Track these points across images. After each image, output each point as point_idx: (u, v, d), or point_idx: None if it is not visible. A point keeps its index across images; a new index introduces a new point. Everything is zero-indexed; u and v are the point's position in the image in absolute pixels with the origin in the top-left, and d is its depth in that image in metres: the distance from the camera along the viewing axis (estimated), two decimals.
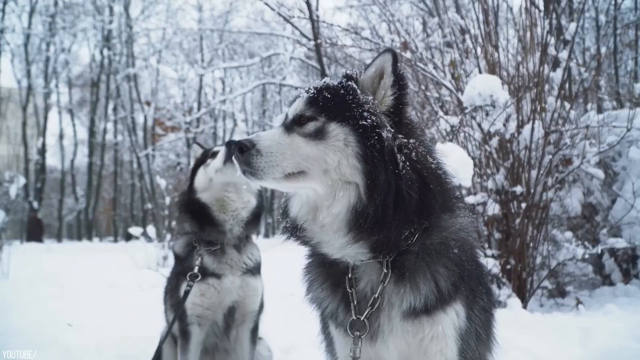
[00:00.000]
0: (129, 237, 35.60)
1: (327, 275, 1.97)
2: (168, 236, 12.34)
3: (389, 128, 1.80)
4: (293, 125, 1.87)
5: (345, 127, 1.79)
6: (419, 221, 1.77)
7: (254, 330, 3.46)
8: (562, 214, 6.84)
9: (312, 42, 21.86)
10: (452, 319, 1.82)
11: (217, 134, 40.43)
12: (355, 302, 1.84)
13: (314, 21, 22.64)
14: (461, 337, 1.84)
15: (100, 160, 43.74)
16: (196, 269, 3.22)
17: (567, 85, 6.47)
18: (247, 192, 3.43)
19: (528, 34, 6.48)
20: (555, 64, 6.66)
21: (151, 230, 10.64)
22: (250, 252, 3.46)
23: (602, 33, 10.77)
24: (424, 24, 14.77)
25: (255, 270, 3.45)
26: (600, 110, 7.93)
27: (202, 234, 3.36)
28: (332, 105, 1.84)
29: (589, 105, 6.87)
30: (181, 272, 3.39)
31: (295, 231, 1.91)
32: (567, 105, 6.34)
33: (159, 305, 4.32)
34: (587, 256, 6.20)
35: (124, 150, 45.32)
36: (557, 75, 6.13)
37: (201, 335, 3.33)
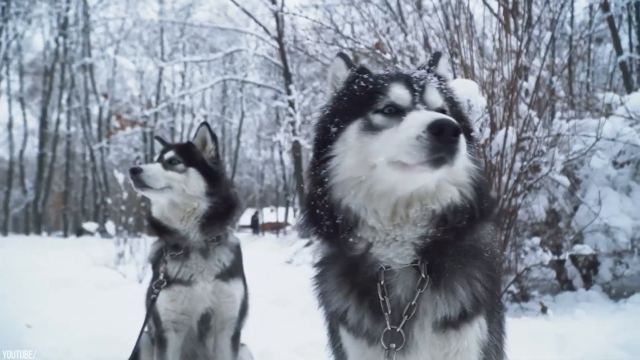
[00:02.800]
0: (80, 232, 34.43)
1: (352, 284, 1.81)
2: (125, 233, 11.94)
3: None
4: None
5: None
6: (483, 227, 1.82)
7: (235, 337, 3.28)
8: (528, 220, 6.95)
9: (276, 39, 21.71)
10: (476, 332, 1.75)
11: (175, 129, 39.56)
12: (390, 311, 1.70)
13: (278, 18, 22.47)
14: (484, 351, 1.78)
15: (52, 151, 42.07)
16: (161, 276, 3.11)
17: (538, 94, 6.56)
18: (189, 199, 3.20)
19: (498, 42, 6.57)
20: (526, 72, 6.75)
21: (110, 226, 10.23)
22: (219, 257, 3.25)
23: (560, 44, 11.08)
24: (388, 28, 14.90)
25: (228, 275, 3.25)
26: (553, 117, 8.15)
27: (165, 240, 3.27)
28: (450, 106, 1.86)
29: (557, 114, 7.00)
30: (154, 278, 3.27)
31: (344, 230, 1.72)
32: (533, 113, 6.44)
33: (123, 306, 4.11)
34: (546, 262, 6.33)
35: (77, 142, 43.80)
36: (530, 83, 6.21)
37: (179, 341, 3.16)
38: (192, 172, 3.24)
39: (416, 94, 1.77)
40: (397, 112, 1.72)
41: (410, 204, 1.69)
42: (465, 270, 1.74)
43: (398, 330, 1.68)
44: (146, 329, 3.17)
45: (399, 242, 1.70)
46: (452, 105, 1.86)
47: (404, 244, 1.69)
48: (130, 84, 43.59)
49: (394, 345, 1.68)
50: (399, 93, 1.76)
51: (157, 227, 3.28)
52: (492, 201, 1.79)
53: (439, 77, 1.90)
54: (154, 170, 3.20)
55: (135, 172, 3.16)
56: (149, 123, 33.33)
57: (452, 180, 1.71)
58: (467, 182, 1.73)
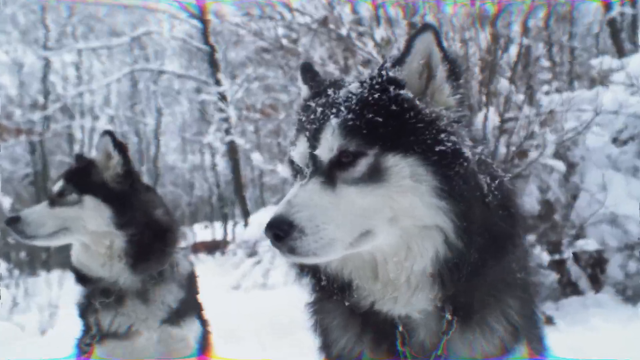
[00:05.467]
0: None
1: (364, 324, 1.82)
2: (16, 272, 11.48)
3: (467, 142, 1.69)
4: (333, 170, 1.65)
5: (409, 158, 1.61)
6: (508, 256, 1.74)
7: None
8: None
9: (197, 18, 21.41)
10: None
11: (73, 135, 38.37)
12: None
13: None
14: None
15: None
16: (94, 329, 3.06)
17: (518, 65, 6.71)
18: (98, 237, 3.10)
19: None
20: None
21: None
22: (162, 298, 3.18)
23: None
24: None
25: (177, 316, 3.21)
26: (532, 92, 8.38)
27: (91, 286, 3.18)
28: (384, 129, 1.64)
29: (543, 88, 7.21)
30: (85, 330, 3.19)
31: (342, 291, 1.75)
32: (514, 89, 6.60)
33: None
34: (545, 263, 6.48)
35: None
36: (511, 53, 6.35)
37: None
38: (89, 200, 3.10)
39: (310, 148, 1.74)
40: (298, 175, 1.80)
41: (386, 261, 1.69)
42: (498, 302, 1.77)
43: None
44: None
45: (404, 301, 1.70)
46: (371, 131, 1.65)
47: (415, 302, 1.70)
48: (5, 80, 41.86)
49: None
50: (296, 152, 1.81)
51: (80, 277, 3.18)
52: (506, 234, 1.72)
53: (349, 104, 1.71)
54: (34, 215, 3.09)
55: (11, 223, 3.05)
56: (37, 129, 32.19)
57: (417, 224, 1.64)
58: (446, 226, 1.62)
